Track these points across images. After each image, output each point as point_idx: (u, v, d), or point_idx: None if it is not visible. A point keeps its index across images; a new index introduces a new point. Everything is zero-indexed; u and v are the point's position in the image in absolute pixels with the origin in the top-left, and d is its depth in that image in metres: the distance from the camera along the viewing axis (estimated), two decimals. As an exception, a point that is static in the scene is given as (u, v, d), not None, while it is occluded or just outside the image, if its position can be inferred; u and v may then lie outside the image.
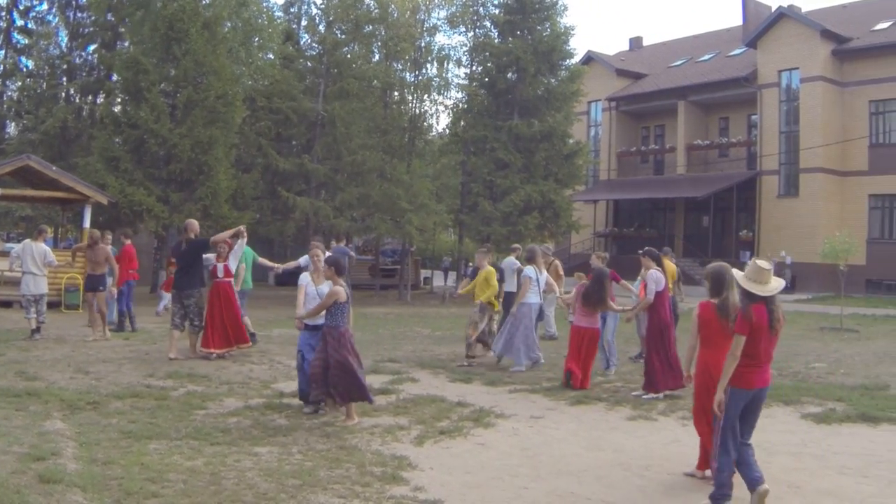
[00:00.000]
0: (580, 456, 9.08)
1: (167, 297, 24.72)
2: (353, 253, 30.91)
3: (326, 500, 7.15)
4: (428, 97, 39.73)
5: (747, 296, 7.43)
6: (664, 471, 8.55)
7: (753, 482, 7.23)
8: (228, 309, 15.51)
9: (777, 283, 7.45)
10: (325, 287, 10.73)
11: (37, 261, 16.97)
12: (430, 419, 10.56)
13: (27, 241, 17.52)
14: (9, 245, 33.92)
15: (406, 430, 9.96)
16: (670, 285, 14.65)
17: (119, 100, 33.03)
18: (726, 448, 7.38)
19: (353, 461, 8.37)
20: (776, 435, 10.08)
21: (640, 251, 14.10)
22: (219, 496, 7.11)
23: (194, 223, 16.21)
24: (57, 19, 39.61)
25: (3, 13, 40.94)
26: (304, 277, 11.50)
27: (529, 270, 15.65)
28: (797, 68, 41.94)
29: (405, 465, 8.32)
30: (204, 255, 15.75)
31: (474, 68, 39.94)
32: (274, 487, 7.41)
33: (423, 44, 39.11)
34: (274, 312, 25.62)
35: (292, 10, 41.28)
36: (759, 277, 7.39)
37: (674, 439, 9.86)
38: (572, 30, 38.64)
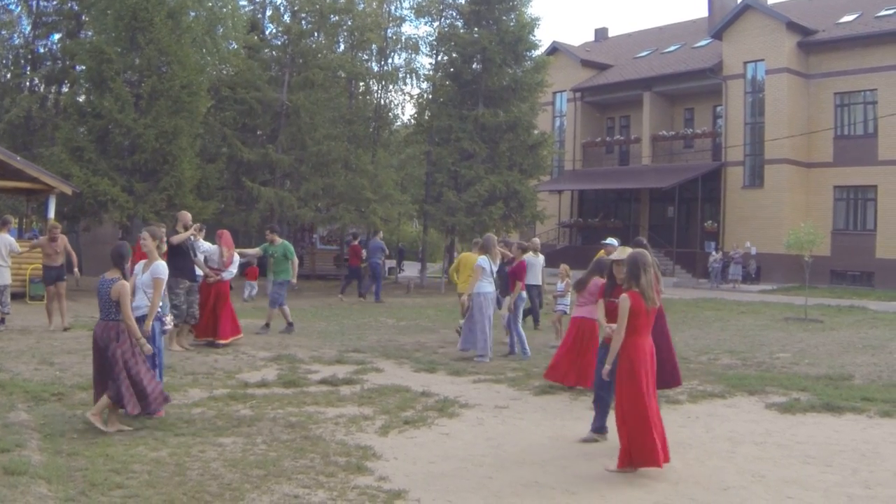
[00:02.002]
0: (544, 445, 9.14)
1: (253, 285, 26.52)
2: (386, 248, 31.14)
3: (291, 491, 7.16)
4: (393, 87, 39.66)
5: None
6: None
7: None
8: (223, 301, 16.24)
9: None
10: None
11: (1, 252, 16.79)
12: (394, 409, 10.60)
13: (-8, 232, 17.28)
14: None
15: (370, 419, 9.99)
16: None
17: (83, 89, 32.73)
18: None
19: (318, 451, 8.39)
20: (741, 424, 10.19)
21: (632, 241, 14.08)
22: (183, 487, 7.11)
23: (183, 214, 16.28)
24: (19, 8, 39.13)
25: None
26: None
27: (483, 260, 15.79)
28: (762, 60, 42.19)
29: (369, 455, 8.35)
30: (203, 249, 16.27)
31: (440, 58, 39.85)
32: (238, 478, 7.43)
33: (389, 34, 38.99)
34: (238, 302, 25.54)
35: (257, -1, 41.08)
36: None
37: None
38: (538, 20, 38.65)
